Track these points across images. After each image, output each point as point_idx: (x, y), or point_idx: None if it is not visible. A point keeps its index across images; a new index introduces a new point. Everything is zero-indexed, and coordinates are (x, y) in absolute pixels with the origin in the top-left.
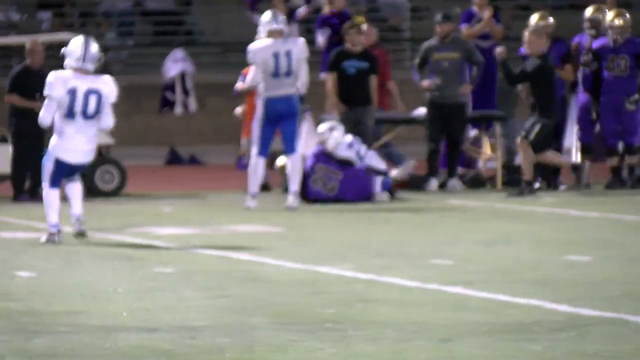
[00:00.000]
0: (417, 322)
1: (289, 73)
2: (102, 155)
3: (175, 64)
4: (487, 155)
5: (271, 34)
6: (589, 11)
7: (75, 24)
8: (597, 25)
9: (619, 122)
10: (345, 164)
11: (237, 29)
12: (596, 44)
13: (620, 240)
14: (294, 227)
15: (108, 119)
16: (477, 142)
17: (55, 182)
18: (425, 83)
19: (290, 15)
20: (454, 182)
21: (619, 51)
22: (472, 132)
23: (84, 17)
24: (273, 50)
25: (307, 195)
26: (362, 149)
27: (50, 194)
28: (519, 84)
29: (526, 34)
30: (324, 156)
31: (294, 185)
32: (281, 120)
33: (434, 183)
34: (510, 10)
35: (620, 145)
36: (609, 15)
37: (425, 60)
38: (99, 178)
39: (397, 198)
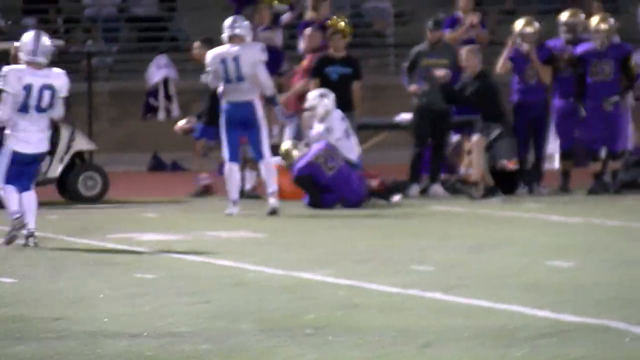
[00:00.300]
0: (399, 327)
1: (240, 78)
2: (85, 161)
3: (159, 70)
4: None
5: (230, 39)
6: (565, 15)
7: (59, 30)
8: (573, 29)
9: (602, 127)
10: (348, 163)
11: (220, 35)
12: (580, 48)
13: (603, 245)
14: (277, 233)
15: (59, 110)
16: (458, 148)
17: (11, 177)
18: (413, 88)
19: (275, 21)
20: (436, 188)
21: (603, 56)
22: (454, 138)
23: (68, 22)
24: (222, 56)
25: (322, 203)
26: (350, 129)
27: (6, 190)
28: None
29: (463, 52)
30: (329, 146)
31: (272, 186)
32: (242, 126)
33: (415, 189)
34: (496, 15)
35: (604, 151)
36: (594, 19)
37: (415, 64)
38: (82, 184)
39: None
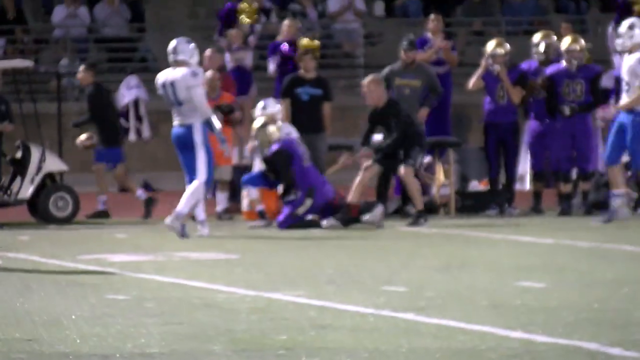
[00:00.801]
0: (370, 348)
1: (179, 102)
2: (56, 182)
3: (129, 91)
4: (441, 181)
5: (172, 64)
6: (537, 37)
7: (27, 51)
8: (546, 51)
9: (572, 148)
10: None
11: None
12: (551, 69)
13: (574, 266)
14: (247, 254)
15: None
16: (430, 168)
17: None
18: None
19: (246, 41)
20: (409, 209)
21: (575, 77)
22: (426, 159)
23: (38, 43)
24: (162, 80)
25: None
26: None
27: None
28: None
29: (365, 82)
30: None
31: (180, 205)
32: (183, 149)
33: (380, 209)
34: (465, 36)
35: (574, 172)
36: (565, 40)
37: (387, 83)
38: (53, 205)
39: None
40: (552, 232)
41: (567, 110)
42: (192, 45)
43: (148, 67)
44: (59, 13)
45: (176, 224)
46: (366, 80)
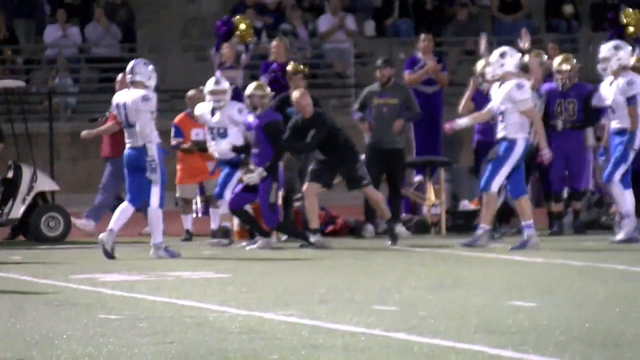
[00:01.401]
0: None
1: (129, 125)
2: (47, 202)
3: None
4: (432, 201)
5: (128, 84)
6: (526, 57)
7: (18, 71)
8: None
9: (565, 167)
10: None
11: (183, 75)
12: (543, 88)
13: (566, 285)
14: (239, 273)
15: None
16: (421, 187)
17: None
18: (363, 126)
19: (238, 60)
20: (398, 228)
21: (567, 96)
22: (417, 178)
23: (29, 63)
24: (116, 102)
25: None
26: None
27: None
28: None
29: (295, 94)
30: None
31: (153, 237)
32: (138, 171)
33: (369, 229)
34: (456, 56)
35: (566, 191)
36: (557, 60)
37: (364, 104)
38: (45, 224)
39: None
40: (543, 251)
41: (560, 125)
42: (151, 67)
43: None
44: (50, 33)
45: (161, 253)
46: (296, 91)
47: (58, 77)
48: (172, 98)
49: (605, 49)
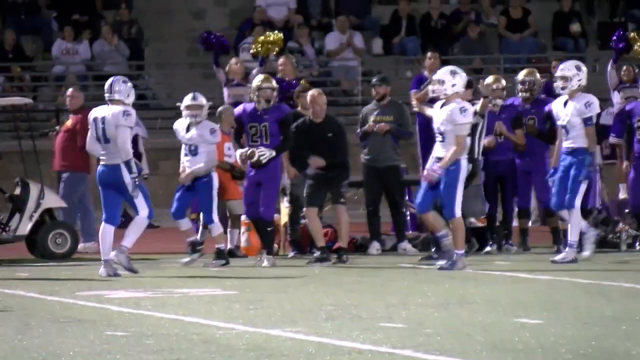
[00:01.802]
0: None
1: (106, 140)
2: (55, 219)
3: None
4: None
5: (107, 102)
6: (522, 74)
7: (26, 88)
8: (530, 88)
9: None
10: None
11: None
12: (549, 106)
13: (572, 303)
14: (245, 290)
15: None
16: None
17: None
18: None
19: (246, 78)
20: (404, 245)
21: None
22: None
23: (37, 80)
24: (94, 116)
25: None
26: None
27: None
28: None
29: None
30: None
31: (125, 240)
32: (113, 189)
33: (375, 246)
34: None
35: None
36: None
37: (364, 123)
38: (52, 241)
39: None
40: (549, 269)
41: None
42: (129, 85)
43: (147, 104)
44: (57, 49)
45: (121, 257)
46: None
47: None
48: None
49: (567, 67)
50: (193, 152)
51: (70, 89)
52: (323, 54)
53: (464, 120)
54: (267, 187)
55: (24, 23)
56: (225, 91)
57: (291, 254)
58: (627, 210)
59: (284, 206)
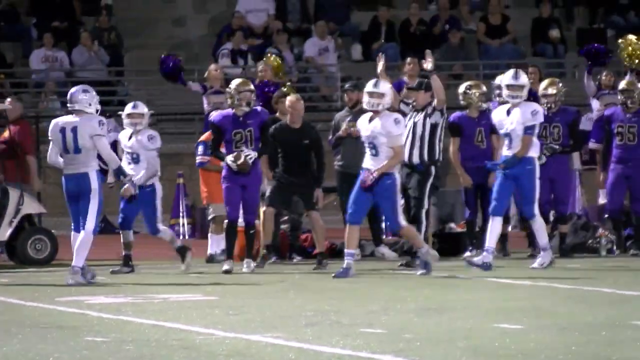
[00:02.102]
0: None
1: (77, 150)
2: (34, 224)
3: (108, 134)
4: None
5: (71, 111)
6: (499, 79)
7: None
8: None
9: (551, 191)
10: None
11: (169, 99)
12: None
13: (552, 309)
14: (226, 296)
15: None
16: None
17: None
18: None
19: (226, 84)
20: (382, 249)
21: (552, 120)
22: (402, 202)
23: (17, 87)
24: (61, 126)
25: None
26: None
27: None
28: None
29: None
30: None
31: (76, 260)
32: (77, 198)
33: (356, 252)
34: (445, 79)
35: (552, 214)
36: (542, 84)
37: (336, 129)
38: (31, 247)
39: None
40: (529, 274)
41: (543, 159)
42: (90, 94)
43: None
44: (37, 57)
45: (77, 278)
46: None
47: (46, 101)
48: (159, 121)
49: (518, 76)
50: (135, 160)
51: (9, 99)
52: (302, 59)
53: (399, 131)
54: (251, 192)
55: (3, 30)
56: (204, 99)
57: (272, 259)
58: (606, 216)
59: (262, 211)
